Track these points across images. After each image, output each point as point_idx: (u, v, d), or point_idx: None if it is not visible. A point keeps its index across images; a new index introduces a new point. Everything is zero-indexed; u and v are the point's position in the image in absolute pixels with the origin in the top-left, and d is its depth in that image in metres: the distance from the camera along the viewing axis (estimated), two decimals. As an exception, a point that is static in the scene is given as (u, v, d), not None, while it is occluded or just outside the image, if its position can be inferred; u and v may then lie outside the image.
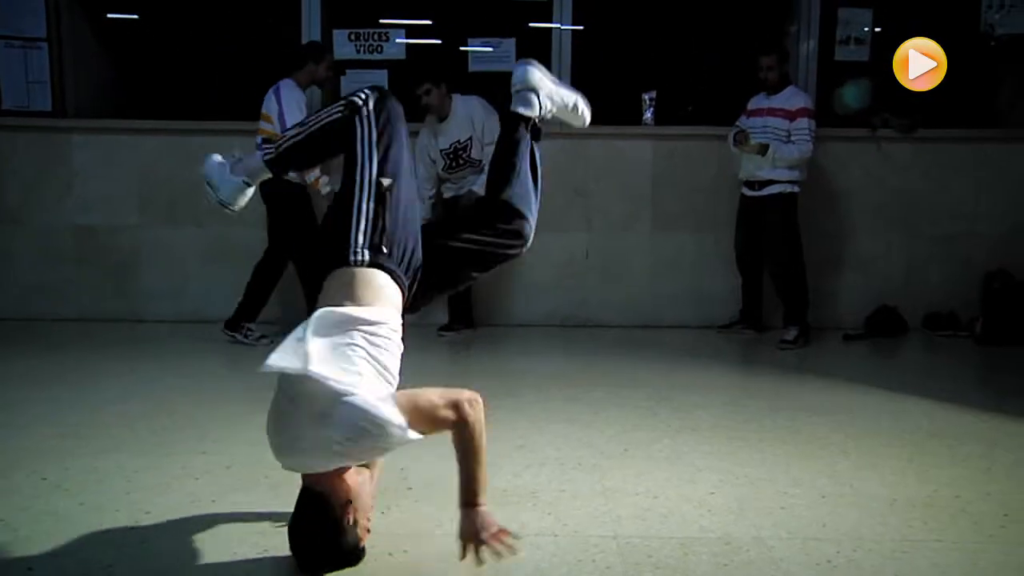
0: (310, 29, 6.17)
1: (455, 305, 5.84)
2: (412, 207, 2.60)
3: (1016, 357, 5.45)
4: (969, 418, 4.01)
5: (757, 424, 3.86)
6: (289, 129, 2.91)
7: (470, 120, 5.59)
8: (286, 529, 2.34)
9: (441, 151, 5.65)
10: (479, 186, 5.46)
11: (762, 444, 3.56)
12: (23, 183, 6.02)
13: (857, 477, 3.19)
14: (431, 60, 5.76)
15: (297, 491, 2.30)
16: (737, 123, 5.74)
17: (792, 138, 5.51)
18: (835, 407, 4.16)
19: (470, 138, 5.58)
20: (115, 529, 2.63)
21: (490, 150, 5.34)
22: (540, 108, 2.83)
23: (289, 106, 5.38)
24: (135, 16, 7.06)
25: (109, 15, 6.66)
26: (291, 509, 2.30)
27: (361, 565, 2.36)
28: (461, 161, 5.63)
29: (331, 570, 2.32)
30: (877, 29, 6.34)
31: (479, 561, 2.27)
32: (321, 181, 5.45)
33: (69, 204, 6.04)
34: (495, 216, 2.71)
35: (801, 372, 4.99)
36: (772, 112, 5.59)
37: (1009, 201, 6.10)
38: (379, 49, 6.21)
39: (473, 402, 2.30)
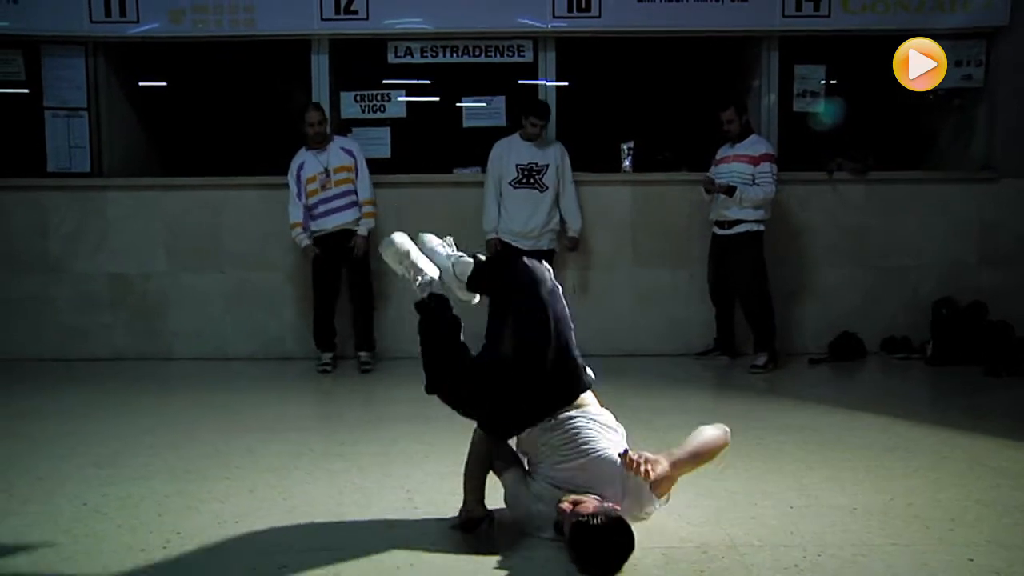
0: (319, 92, 6.24)
1: None
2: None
3: (962, 376, 5.48)
4: (921, 433, 4.04)
5: (731, 442, 3.87)
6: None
7: (553, 155, 5.81)
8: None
9: (516, 164, 5.79)
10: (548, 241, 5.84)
11: (736, 460, 3.57)
12: (64, 236, 6.08)
13: (821, 488, 3.22)
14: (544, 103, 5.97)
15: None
16: (707, 174, 5.80)
17: (757, 181, 5.58)
18: (801, 425, 4.20)
19: (547, 165, 5.78)
20: (149, 548, 2.66)
21: (567, 188, 5.82)
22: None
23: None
24: (163, 83, 7.16)
25: (140, 83, 6.76)
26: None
27: None
28: (532, 180, 5.77)
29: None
30: (833, 81, 6.44)
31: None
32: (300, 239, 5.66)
33: (104, 254, 6.08)
34: None
35: (770, 394, 5.03)
36: (737, 158, 5.66)
37: (950, 235, 6.16)
38: (382, 108, 6.27)
39: None
